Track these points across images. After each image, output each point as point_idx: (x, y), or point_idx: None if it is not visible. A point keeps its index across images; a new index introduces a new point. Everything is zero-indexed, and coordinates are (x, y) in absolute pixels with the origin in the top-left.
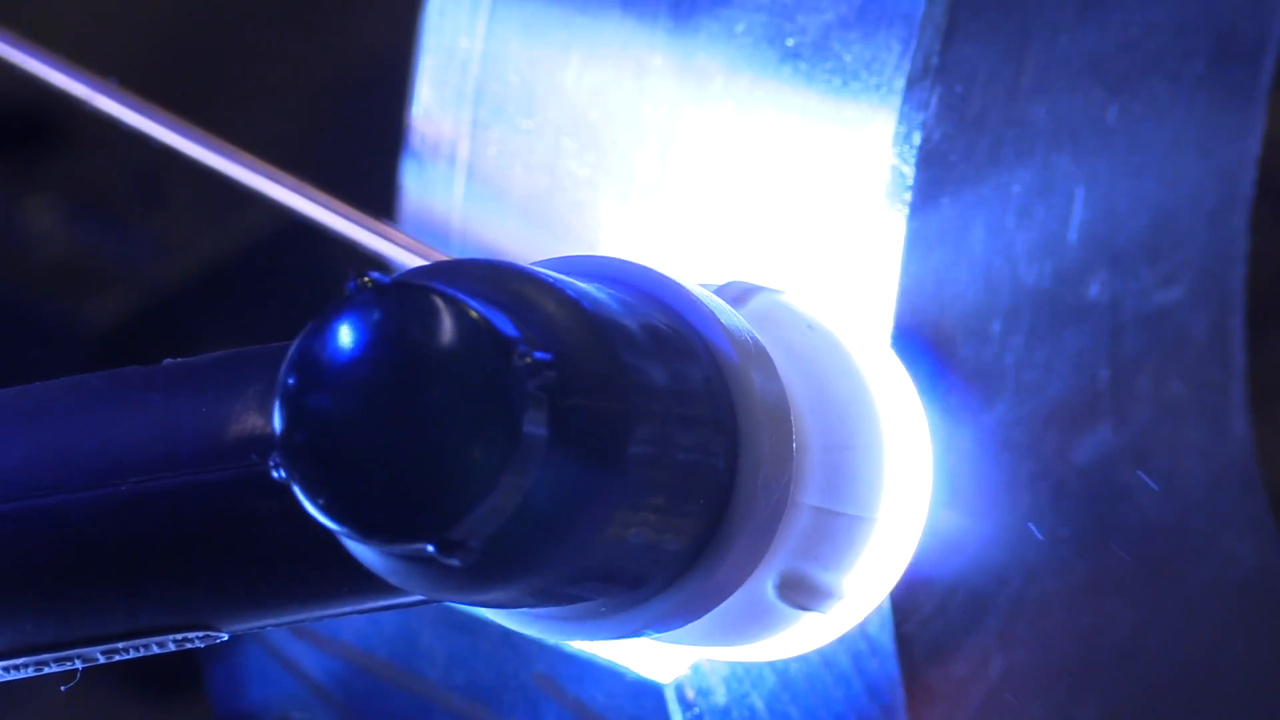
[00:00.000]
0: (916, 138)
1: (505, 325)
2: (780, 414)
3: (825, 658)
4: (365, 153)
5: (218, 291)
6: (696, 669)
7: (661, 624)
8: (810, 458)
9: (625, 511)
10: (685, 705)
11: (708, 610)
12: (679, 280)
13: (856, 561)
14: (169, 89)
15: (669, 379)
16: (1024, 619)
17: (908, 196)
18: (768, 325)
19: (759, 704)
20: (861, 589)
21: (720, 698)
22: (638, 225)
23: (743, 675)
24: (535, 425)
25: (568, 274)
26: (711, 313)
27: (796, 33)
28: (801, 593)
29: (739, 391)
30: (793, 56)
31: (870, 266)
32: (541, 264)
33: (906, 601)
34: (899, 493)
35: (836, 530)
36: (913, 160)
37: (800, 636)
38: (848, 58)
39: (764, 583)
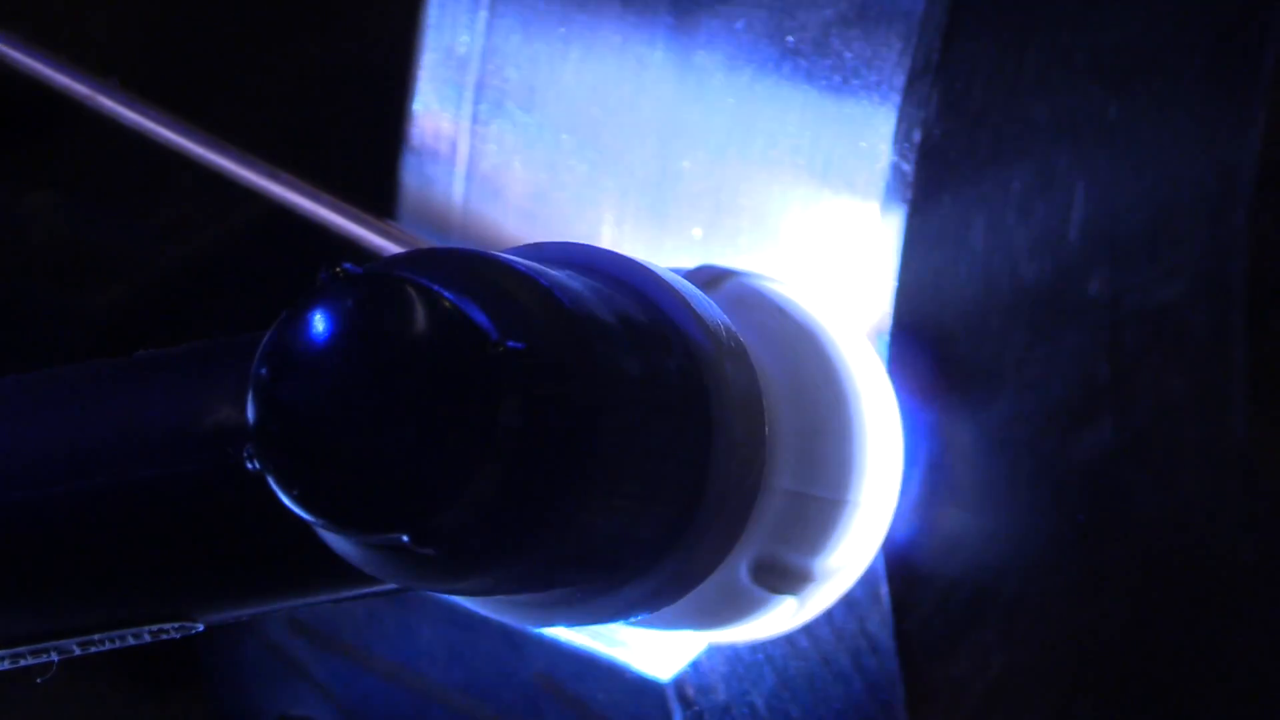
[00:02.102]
0: (917, 135)
1: (478, 315)
2: (753, 399)
3: (825, 656)
4: (365, 150)
5: (217, 285)
6: (697, 667)
7: (637, 609)
8: (783, 441)
9: (599, 499)
10: (685, 704)
11: (682, 595)
12: (651, 266)
13: (830, 545)
14: (169, 87)
15: (642, 367)
16: (1024, 617)
17: (908, 194)
18: (739, 310)
19: (759, 702)
20: (835, 572)
21: (720, 696)
22: (637, 222)
23: (743, 674)
24: (509, 415)
25: (541, 261)
26: (684, 299)
27: (797, 30)
28: (775, 576)
29: (711, 378)
30: (793, 53)
31: (870, 264)
32: (515, 251)
33: (907, 599)
34: (872, 475)
35: (810, 514)
36: (913, 158)
37: (775, 620)
38: (848, 55)
39: (738, 567)
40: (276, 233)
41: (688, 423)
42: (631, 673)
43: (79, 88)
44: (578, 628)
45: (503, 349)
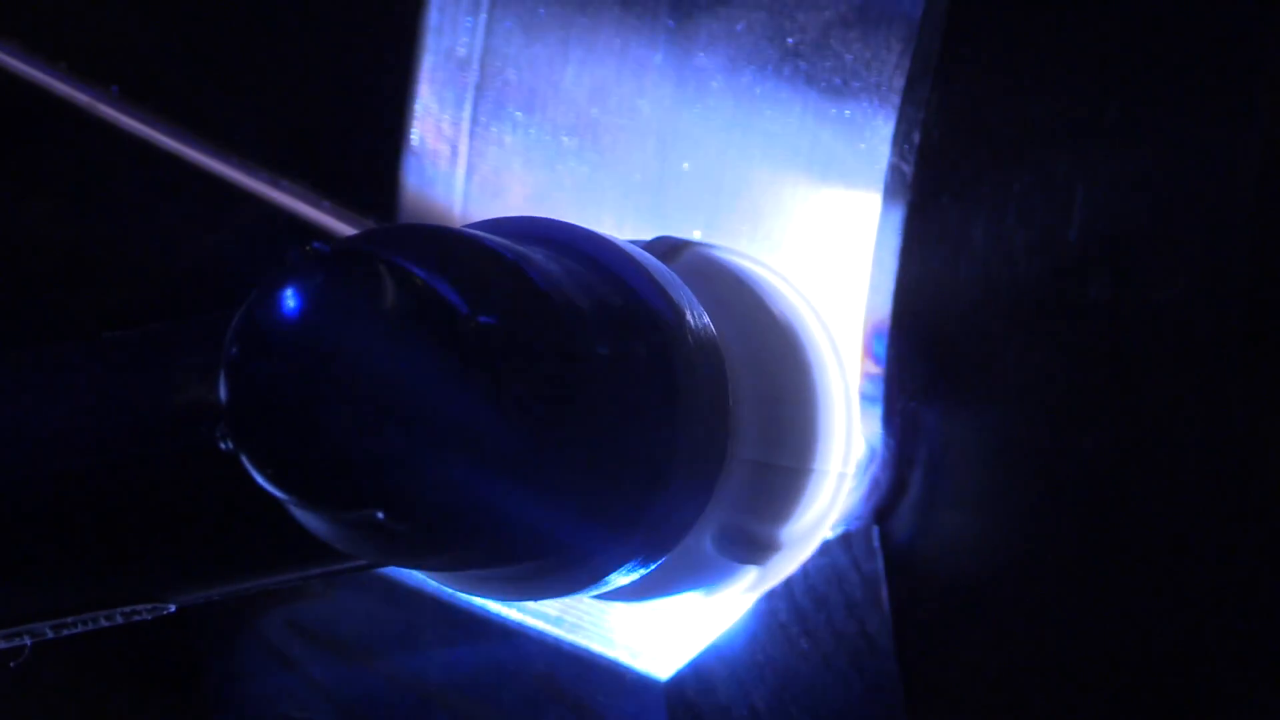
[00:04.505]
0: (916, 136)
1: (449, 291)
2: (716, 371)
3: (825, 657)
4: (366, 152)
5: (216, 289)
6: (695, 667)
7: (604, 579)
8: (746, 411)
9: (568, 472)
10: (684, 704)
11: (650, 566)
12: (613, 239)
13: (794, 513)
14: (168, 88)
15: (609, 341)
16: (1024, 617)
17: (908, 194)
18: (698, 280)
19: (759, 703)
20: (798, 540)
21: (720, 696)
22: (637, 223)
23: (742, 674)
24: (480, 389)
25: (507, 236)
26: (646, 270)
27: (797, 31)
28: (739, 545)
29: (676, 350)
30: (793, 55)
31: (870, 264)
32: (480, 225)
33: (906, 601)
34: (833, 443)
35: (773, 483)
36: (913, 159)
37: (738, 588)
38: (848, 57)
39: (703, 537)
40: (276, 237)
41: (654, 395)
42: (631, 673)
43: (79, 95)
44: (547, 600)
45: (474, 324)
